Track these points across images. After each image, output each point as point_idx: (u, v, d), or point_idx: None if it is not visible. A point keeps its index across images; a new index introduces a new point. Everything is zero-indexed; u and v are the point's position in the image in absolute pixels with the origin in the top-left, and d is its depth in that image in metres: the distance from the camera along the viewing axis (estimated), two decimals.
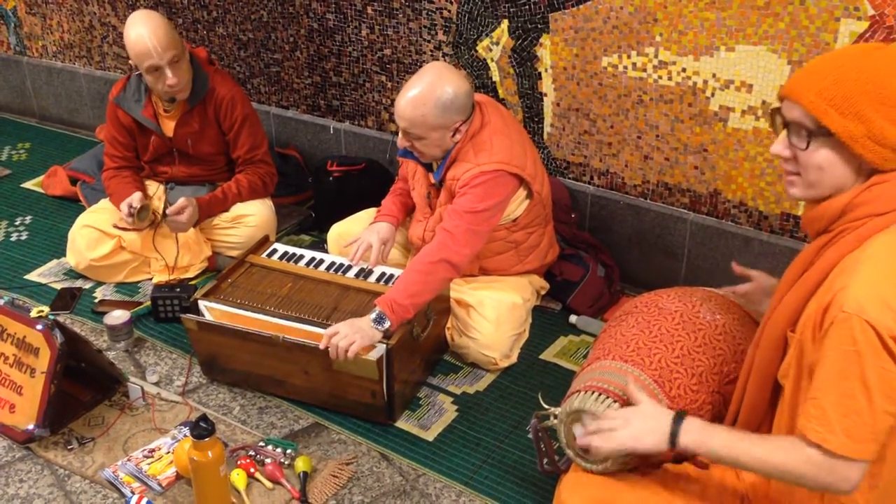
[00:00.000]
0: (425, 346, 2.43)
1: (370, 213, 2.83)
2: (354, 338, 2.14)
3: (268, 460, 2.16)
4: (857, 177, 1.45)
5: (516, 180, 2.39)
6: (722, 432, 1.52)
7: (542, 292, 2.77)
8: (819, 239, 1.50)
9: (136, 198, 2.81)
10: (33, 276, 3.04)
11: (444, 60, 3.09)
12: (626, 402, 1.68)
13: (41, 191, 3.66)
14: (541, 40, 2.84)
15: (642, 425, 1.57)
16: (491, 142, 2.36)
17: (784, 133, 1.48)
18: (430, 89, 2.28)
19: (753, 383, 1.61)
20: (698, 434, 1.52)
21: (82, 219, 2.98)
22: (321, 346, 2.17)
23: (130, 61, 2.76)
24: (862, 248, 1.42)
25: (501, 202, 2.38)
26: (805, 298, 1.48)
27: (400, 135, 2.39)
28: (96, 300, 2.88)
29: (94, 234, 2.91)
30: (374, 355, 2.17)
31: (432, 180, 2.49)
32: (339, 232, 2.77)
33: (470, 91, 2.34)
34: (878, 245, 1.41)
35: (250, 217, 2.96)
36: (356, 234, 2.66)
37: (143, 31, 2.68)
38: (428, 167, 2.52)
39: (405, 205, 2.70)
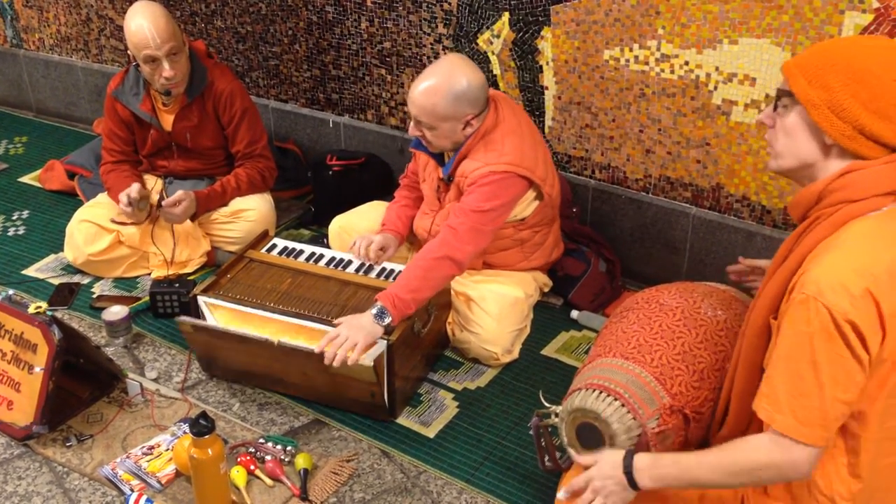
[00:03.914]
0: (426, 341, 2.41)
1: (372, 206, 2.81)
2: (357, 338, 2.12)
3: (268, 457, 2.14)
4: (824, 155, 1.47)
5: (525, 182, 2.38)
6: (673, 455, 1.53)
7: (546, 289, 2.76)
8: (799, 227, 1.53)
9: (134, 188, 2.78)
10: (31, 272, 3.02)
11: (444, 53, 3.07)
12: (627, 400, 1.67)
13: (38, 185, 3.64)
14: (542, 33, 2.82)
15: (607, 487, 1.57)
16: (503, 142, 2.35)
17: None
18: (443, 79, 2.27)
19: (741, 372, 1.61)
20: (652, 471, 1.52)
21: (80, 213, 2.96)
22: (317, 350, 2.14)
23: (129, 51, 2.74)
24: (836, 235, 1.44)
25: (508, 203, 2.37)
26: (785, 285, 1.49)
27: (412, 123, 2.38)
28: (94, 295, 2.86)
29: (92, 229, 2.89)
30: (369, 359, 2.14)
31: (441, 175, 2.48)
32: (341, 225, 2.75)
33: (484, 85, 2.33)
34: (851, 231, 1.43)
35: (249, 212, 2.94)
36: (358, 228, 2.67)
37: (143, 22, 2.66)
38: (439, 160, 2.50)
39: (409, 218, 2.69)
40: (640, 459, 1.54)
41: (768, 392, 1.43)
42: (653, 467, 1.52)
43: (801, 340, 1.38)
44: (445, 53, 3.06)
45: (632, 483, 1.53)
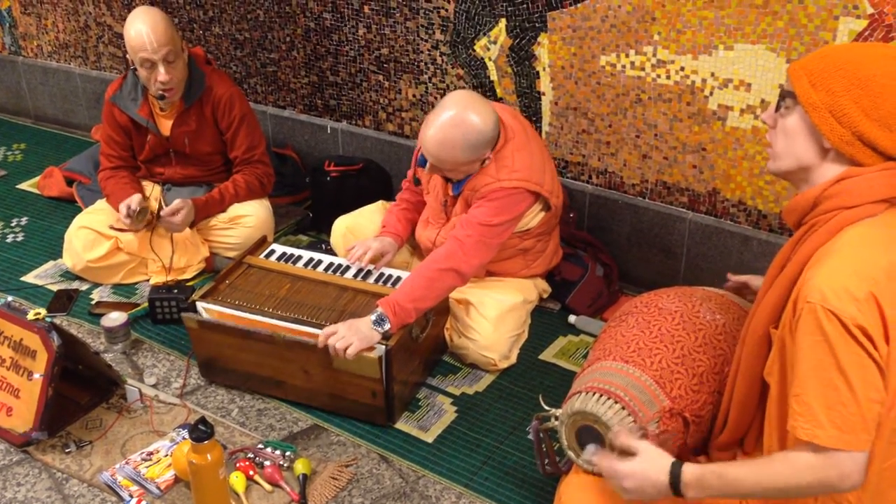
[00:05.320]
0: (424, 346, 2.42)
1: (377, 206, 2.81)
2: (352, 339, 2.13)
3: (267, 463, 2.15)
4: (821, 158, 1.48)
5: (533, 196, 2.40)
6: (718, 469, 1.49)
7: (545, 296, 2.77)
8: (795, 234, 1.53)
9: (135, 199, 2.79)
10: (30, 278, 3.02)
11: (442, 60, 3.08)
12: (628, 403, 1.68)
13: (37, 192, 3.64)
14: (539, 39, 2.83)
15: (641, 488, 1.54)
16: (513, 158, 2.36)
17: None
18: (457, 130, 2.23)
19: (741, 381, 1.61)
20: (698, 485, 1.49)
21: (79, 220, 2.96)
22: (319, 345, 2.17)
23: (127, 55, 2.75)
24: (832, 241, 1.44)
25: (516, 218, 2.39)
26: (785, 294, 1.49)
27: (429, 164, 2.36)
28: (93, 302, 2.86)
29: (91, 236, 2.90)
30: (375, 353, 2.17)
31: (451, 193, 2.49)
32: (347, 225, 2.73)
33: (496, 120, 2.31)
34: (847, 237, 1.43)
35: (248, 217, 2.95)
36: (364, 230, 2.67)
37: (142, 26, 2.68)
38: (447, 178, 2.51)
39: (410, 221, 2.69)
40: (689, 472, 1.49)
41: (803, 411, 1.39)
42: (700, 479, 1.48)
43: (822, 350, 1.37)
44: (444, 59, 3.08)
45: (676, 492, 1.50)
